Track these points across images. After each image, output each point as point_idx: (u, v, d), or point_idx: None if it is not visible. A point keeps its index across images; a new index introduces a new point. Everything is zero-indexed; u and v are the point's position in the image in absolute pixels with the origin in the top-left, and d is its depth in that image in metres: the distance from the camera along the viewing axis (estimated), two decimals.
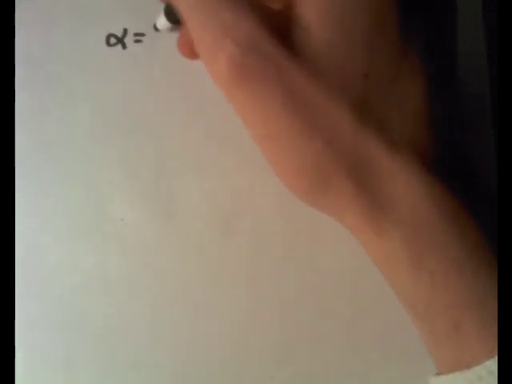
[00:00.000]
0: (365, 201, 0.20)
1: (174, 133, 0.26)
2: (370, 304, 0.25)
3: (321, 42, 0.19)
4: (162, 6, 0.25)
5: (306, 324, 0.25)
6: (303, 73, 0.19)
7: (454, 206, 0.20)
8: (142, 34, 0.27)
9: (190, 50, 0.22)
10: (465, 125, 0.26)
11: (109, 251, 0.26)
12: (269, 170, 0.21)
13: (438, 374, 0.20)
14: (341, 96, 0.19)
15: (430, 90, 0.21)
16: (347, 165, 0.19)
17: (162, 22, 0.26)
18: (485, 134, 0.26)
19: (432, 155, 0.21)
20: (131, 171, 0.26)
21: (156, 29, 0.26)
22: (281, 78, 0.19)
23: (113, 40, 0.27)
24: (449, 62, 0.23)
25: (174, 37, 0.24)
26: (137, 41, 0.27)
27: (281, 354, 0.25)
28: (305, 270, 0.25)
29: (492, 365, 0.17)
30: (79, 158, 0.26)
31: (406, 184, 0.19)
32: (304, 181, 0.20)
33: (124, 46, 0.27)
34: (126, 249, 0.26)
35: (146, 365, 0.25)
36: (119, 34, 0.27)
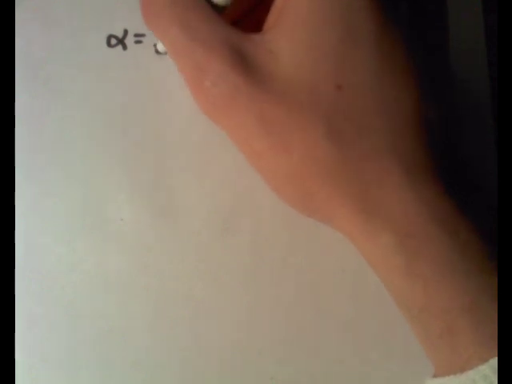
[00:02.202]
0: (353, 208, 0.20)
1: (174, 133, 0.26)
2: (370, 304, 0.25)
3: (289, 64, 0.20)
4: None
5: (306, 324, 0.25)
6: (272, 94, 0.20)
7: (446, 209, 0.19)
8: (143, 35, 0.27)
9: None
10: (464, 126, 0.26)
11: (109, 251, 0.26)
12: None
13: (435, 376, 0.20)
14: (312, 110, 0.20)
15: (422, 93, 0.21)
16: (330, 175, 0.20)
17: (162, 45, 0.26)
18: (485, 135, 0.26)
19: (427, 158, 0.20)
20: (131, 171, 0.26)
21: (157, 52, 0.27)
22: (251, 104, 0.20)
23: (113, 41, 0.27)
24: (444, 62, 0.23)
25: None
26: (137, 41, 0.27)
27: (281, 354, 0.25)
28: (305, 270, 0.25)
29: (486, 369, 0.17)
30: (79, 158, 0.26)
31: (393, 190, 0.19)
32: (290, 192, 0.21)
33: (124, 47, 0.27)
34: (126, 249, 0.26)
35: (146, 365, 0.25)
36: (120, 34, 0.27)
